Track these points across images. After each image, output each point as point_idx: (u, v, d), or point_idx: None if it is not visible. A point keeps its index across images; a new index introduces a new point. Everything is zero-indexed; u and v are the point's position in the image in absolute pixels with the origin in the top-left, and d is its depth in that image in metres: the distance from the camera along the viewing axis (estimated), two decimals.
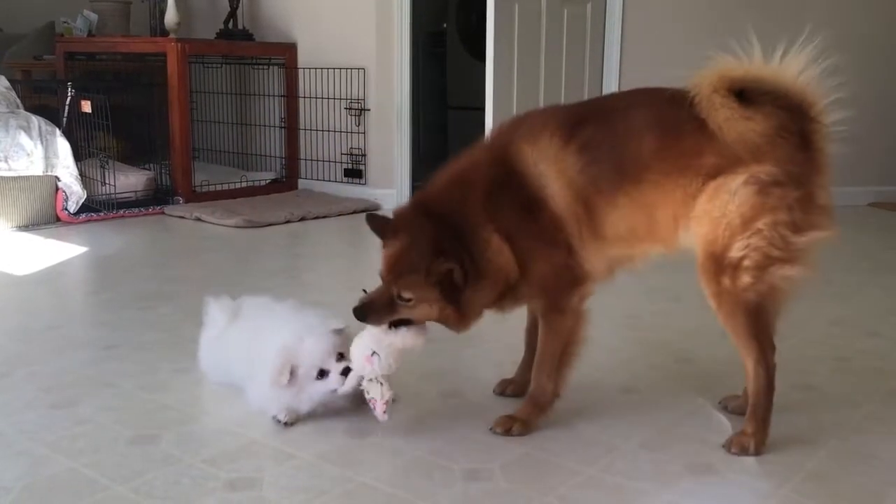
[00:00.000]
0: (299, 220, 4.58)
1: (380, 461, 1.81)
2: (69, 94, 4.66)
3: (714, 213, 1.77)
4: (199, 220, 4.53)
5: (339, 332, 1.98)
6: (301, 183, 5.45)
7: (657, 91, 1.86)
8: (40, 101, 5.21)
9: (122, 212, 4.58)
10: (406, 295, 1.79)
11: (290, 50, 5.34)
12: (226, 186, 5.12)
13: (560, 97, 4.81)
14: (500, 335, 2.70)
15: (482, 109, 4.41)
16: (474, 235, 1.80)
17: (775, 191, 1.74)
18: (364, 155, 5.14)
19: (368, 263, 3.96)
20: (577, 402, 2.10)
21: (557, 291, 1.88)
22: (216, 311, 2.21)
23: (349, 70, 5.07)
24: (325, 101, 5.22)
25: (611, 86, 5.09)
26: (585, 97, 4.99)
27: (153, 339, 2.59)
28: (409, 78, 5.00)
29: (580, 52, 4.92)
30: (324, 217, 4.69)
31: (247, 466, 1.76)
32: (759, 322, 1.81)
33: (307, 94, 5.32)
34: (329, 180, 5.29)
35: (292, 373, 1.92)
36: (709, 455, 1.84)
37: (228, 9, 5.43)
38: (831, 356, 2.50)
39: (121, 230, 4.32)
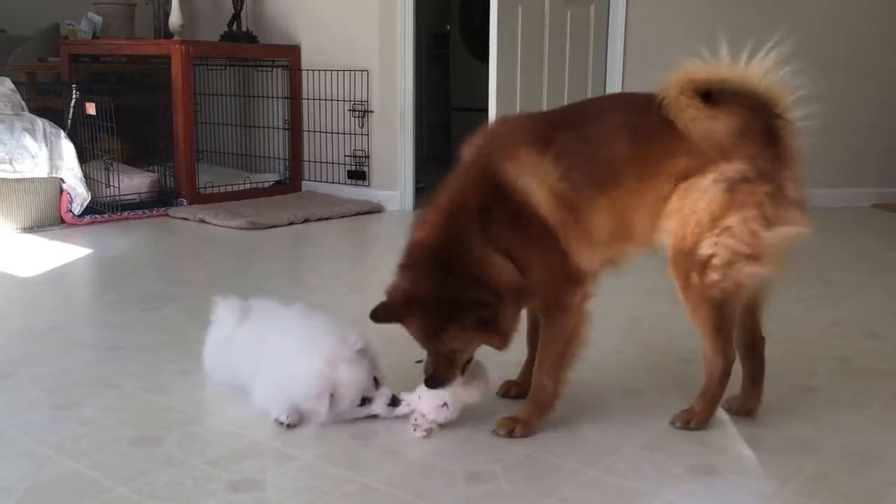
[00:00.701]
0: (303, 222, 4.59)
1: (382, 462, 1.81)
2: (73, 96, 4.67)
3: (684, 211, 1.83)
4: (202, 221, 4.54)
5: (363, 352, 1.98)
6: (304, 185, 5.47)
7: (628, 96, 1.91)
8: (45, 103, 5.23)
9: (126, 214, 4.60)
10: (455, 348, 1.84)
11: (293, 52, 5.35)
12: (229, 188, 5.13)
13: (563, 99, 4.81)
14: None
15: (485, 111, 4.42)
16: (483, 263, 1.80)
17: (744, 187, 1.79)
18: (367, 156, 5.15)
19: (372, 265, 3.99)
20: (578, 404, 2.11)
21: (559, 292, 1.89)
22: (225, 313, 2.21)
23: (352, 72, 5.08)
24: (329, 102, 5.23)
25: (614, 87, 5.09)
26: (589, 96, 4.99)
27: (156, 340, 2.60)
28: (412, 79, 5.01)
29: (583, 54, 4.92)
30: (327, 219, 4.70)
31: (249, 468, 1.77)
32: (722, 317, 1.87)
33: (311, 96, 5.33)
34: (332, 182, 5.31)
35: (331, 398, 1.92)
36: (710, 456, 1.85)
37: (232, 11, 5.44)
38: (832, 357, 2.50)
39: (125, 232, 4.34)
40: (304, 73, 5.34)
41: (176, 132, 4.88)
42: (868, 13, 5.14)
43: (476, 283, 1.77)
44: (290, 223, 4.55)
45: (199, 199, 4.91)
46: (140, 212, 4.67)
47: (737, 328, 1.97)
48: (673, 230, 1.86)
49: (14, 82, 4.70)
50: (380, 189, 5.12)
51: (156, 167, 4.94)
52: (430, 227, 1.85)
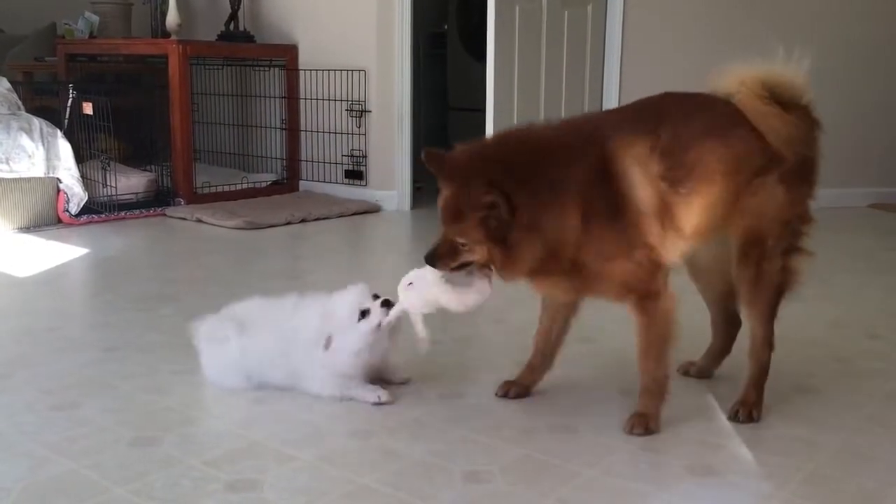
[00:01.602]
0: (300, 222, 4.59)
1: (381, 463, 1.81)
2: (70, 95, 4.66)
3: (757, 207, 1.98)
4: (200, 221, 4.54)
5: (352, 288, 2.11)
6: (302, 184, 5.46)
7: (703, 97, 2.02)
8: (42, 102, 5.22)
9: (123, 213, 4.59)
10: (460, 240, 1.84)
11: (290, 51, 5.35)
12: (227, 188, 5.12)
13: (560, 99, 4.81)
14: (500, 337, 2.71)
15: (483, 111, 4.41)
16: (553, 196, 1.81)
17: (801, 188, 2.02)
18: (365, 156, 5.14)
19: (369, 264, 3.98)
20: (576, 404, 2.11)
21: (648, 281, 1.91)
22: (221, 326, 2.20)
23: (350, 71, 5.07)
24: (326, 102, 5.23)
25: (611, 87, 5.10)
26: (586, 99, 5.01)
27: (154, 340, 2.60)
28: (409, 79, 5.00)
29: (581, 54, 4.92)
30: (325, 218, 4.70)
31: (248, 468, 1.76)
32: (778, 305, 2.05)
33: (308, 96, 5.32)
34: (330, 182, 5.30)
35: (328, 341, 2.04)
36: (709, 456, 1.85)
37: (229, 10, 5.43)
38: (832, 357, 2.50)
39: (122, 232, 4.33)
40: (301, 72, 5.33)
41: (173, 132, 4.87)
42: (864, 14, 5.14)
43: (518, 192, 1.77)
44: (288, 223, 4.54)
45: (196, 198, 4.90)
46: (137, 212, 4.66)
47: (720, 308, 2.25)
48: (745, 226, 1.99)
49: (10, 81, 4.68)
50: (377, 189, 5.11)
51: (153, 167, 4.93)
52: (511, 145, 1.87)
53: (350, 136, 5.16)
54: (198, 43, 5.27)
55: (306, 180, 5.44)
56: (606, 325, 2.54)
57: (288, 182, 5.46)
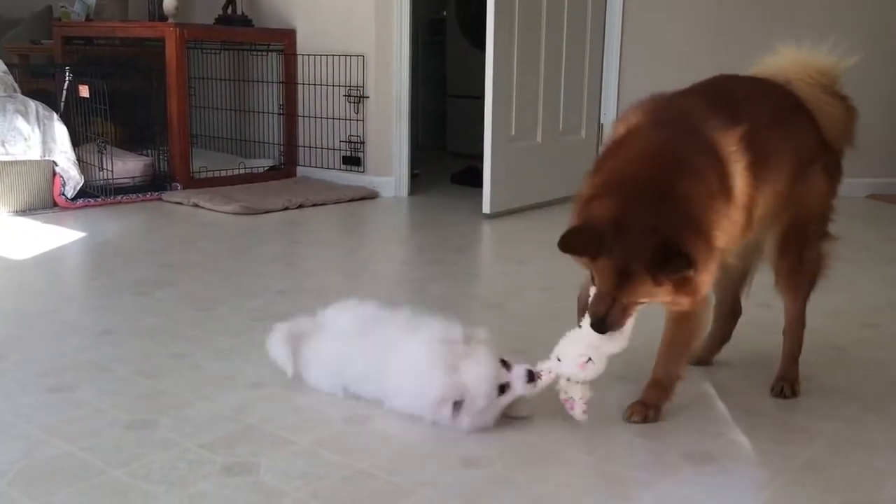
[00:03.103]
0: (297, 208, 4.57)
1: (378, 448, 1.80)
2: (67, 78, 4.63)
3: (806, 197, 2.01)
4: (196, 206, 4.52)
5: (475, 341, 1.90)
6: (299, 170, 5.44)
7: (763, 82, 2.00)
8: (38, 85, 5.19)
9: (119, 197, 4.57)
10: (640, 300, 1.74)
11: (288, 36, 5.32)
12: (224, 173, 5.10)
13: (560, 86, 4.79)
14: (498, 324, 2.70)
15: (481, 98, 4.39)
16: (708, 216, 1.69)
17: (836, 176, 2.07)
18: (363, 142, 5.12)
19: (366, 251, 3.98)
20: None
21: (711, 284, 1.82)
22: (338, 318, 2.07)
23: (348, 57, 5.05)
24: (324, 87, 5.20)
25: (611, 73, 5.08)
26: (585, 85, 4.99)
27: (150, 324, 2.59)
28: (408, 66, 4.98)
29: (581, 41, 4.90)
30: (322, 204, 4.68)
31: (244, 451, 1.76)
32: (814, 287, 2.13)
33: (306, 81, 5.30)
34: (327, 168, 5.28)
35: (456, 405, 1.83)
36: (706, 444, 1.84)
37: None
38: (829, 346, 2.50)
39: (118, 216, 4.31)
40: (299, 57, 5.30)
41: (170, 116, 4.84)
42: (863, 3, 5.12)
43: (689, 225, 1.65)
44: (285, 208, 4.53)
45: (193, 183, 4.88)
46: (133, 196, 4.64)
47: (725, 296, 2.25)
48: (793, 213, 2.01)
49: (7, 64, 4.65)
50: (375, 175, 5.10)
51: (150, 151, 4.91)
52: (628, 162, 1.73)
53: (348, 122, 5.14)
54: (195, 27, 5.23)
55: (304, 166, 5.42)
56: None
57: (285, 168, 5.44)
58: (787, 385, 2.10)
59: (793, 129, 1.95)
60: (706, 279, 1.73)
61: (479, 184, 4.49)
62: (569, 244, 1.68)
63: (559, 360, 1.84)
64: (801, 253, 2.05)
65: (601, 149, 1.92)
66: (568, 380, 1.84)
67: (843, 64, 2.02)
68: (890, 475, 1.72)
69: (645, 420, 1.93)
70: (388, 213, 4.68)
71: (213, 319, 2.65)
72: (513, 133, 4.52)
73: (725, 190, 1.75)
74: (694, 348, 1.97)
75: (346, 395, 2.03)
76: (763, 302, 2.28)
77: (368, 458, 1.74)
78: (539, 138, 4.73)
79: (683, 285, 1.68)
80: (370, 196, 4.95)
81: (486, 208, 4.42)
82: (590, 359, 1.81)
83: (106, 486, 1.61)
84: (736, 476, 1.73)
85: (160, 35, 4.90)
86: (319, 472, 1.68)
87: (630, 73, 5.07)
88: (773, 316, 2.25)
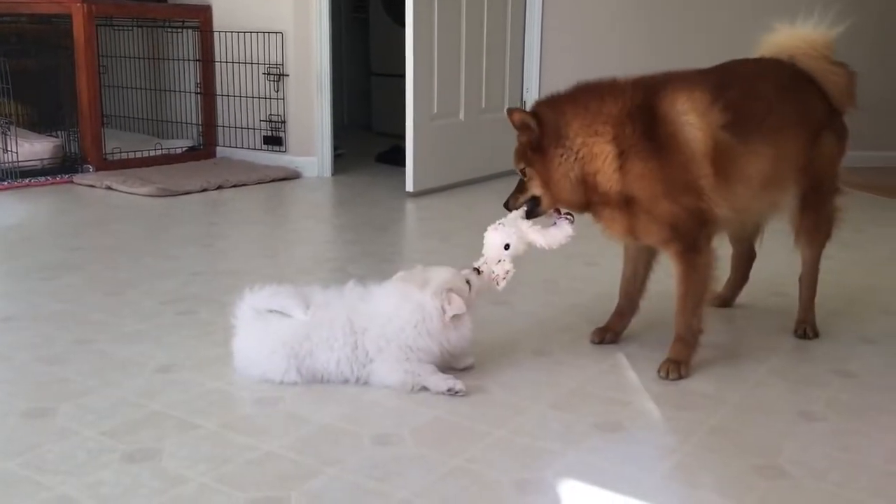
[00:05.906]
0: (216, 189, 4.46)
1: (287, 429, 1.77)
2: None
3: (820, 159, 2.21)
4: (109, 188, 4.37)
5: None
6: (219, 151, 5.30)
7: (769, 60, 2.22)
8: None
9: (27, 181, 4.38)
10: (518, 167, 2.07)
11: (204, 12, 5.16)
12: (139, 154, 4.94)
13: (482, 63, 4.78)
14: None
15: (404, 76, 4.34)
16: (583, 121, 1.99)
17: (844, 136, 2.28)
18: (284, 122, 5.02)
19: (285, 231, 3.90)
20: (488, 366, 2.11)
21: (689, 231, 2.01)
22: (293, 302, 2.00)
23: (266, 34, 4.93)
24: (243, 65, 5.07)
25: (532, 48, 5.09)
26: (507, 62, 4.99)
27: (55, 309, 2.49)
28: (328, 42, 4.89)
29: (501, 17, 4.88)
30: (242, 185, 4.58)
31: (147, 437, 1.70)
32: (829, 238, 2.36)
33: (223, 59, 5.16)
34: (248, 148, 5.16)
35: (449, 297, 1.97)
36: (616, 413, 1.87)
37: None
38: (739, 315, 2.56)
39: (25, 199, 4.14)
40: (216, 34, 5.15)
41: (80, 96, 4.65)
42: None
43: (547, 113, 2.01)
44: (204, 190, 4.41)
45: (106, 165, 4.71)
46: (42, 179, 4.45)
47: (742, 245, 2.54)
48: (811, 174, 2.20)
49: None
50: (296, 155, 5.01)
51: (59, 132, 4.72)
52: (571, 96, 2.05)
53: (268, 100, 5.03)
54: (104, 3, 5.01)
55: (224, 146, 5.29)
56: (519, 287, 2.54)
57: (204, 148, 5.30)
58: (808, 327, 2.35)
59: (800, 97, 2.17)
60: (559, 173, 2.00)
61: (404, 163, 4.45)
62: (510, 112, 2.07)
63: (484, 254, 2.09)
64: (818, 212, 2.28)
65: None
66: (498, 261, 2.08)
67: (829, 34, 2.20)
68: (792, 438, 1.77)
69: (680, 376, 2.04)
70: (310, 193, 4.60)
71: (121, 304, 2.56)
72: (435, 111, 4.49)
73: (653, 135, 1.98)
74: (706, 299, 2.09)
75: (297, 377, 1.96)
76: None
77: (277, 440, 1.71)
78: (462, 116, 4.71)
79: (540, 165, 2.02)
80: (292, 176, 4.87)
81: (409, 187, 4.39)
82: (500, 223, 2.08)
83: None
84: (644, 443, 1.75)
85: (66, 11, 4.69)
86: (225, 455, 1.64)
87: (552, 48, 5.08)
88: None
